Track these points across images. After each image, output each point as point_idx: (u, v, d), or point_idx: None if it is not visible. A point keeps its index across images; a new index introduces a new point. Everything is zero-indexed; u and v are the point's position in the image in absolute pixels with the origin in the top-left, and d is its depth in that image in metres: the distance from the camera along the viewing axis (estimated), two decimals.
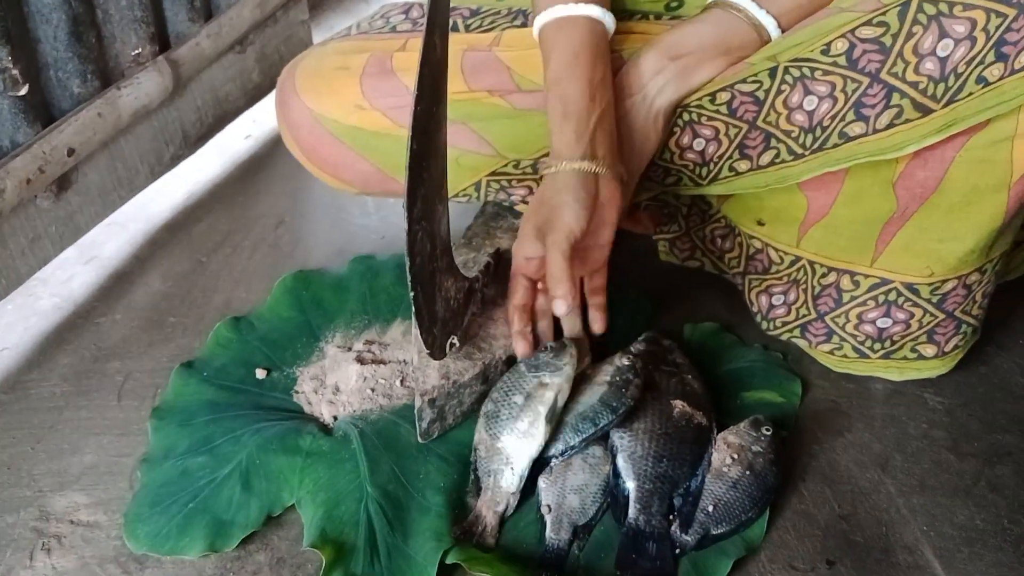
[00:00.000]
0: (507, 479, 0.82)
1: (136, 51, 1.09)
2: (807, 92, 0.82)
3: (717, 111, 0.87)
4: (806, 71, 0.81)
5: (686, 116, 0.89)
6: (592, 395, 0.86)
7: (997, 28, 0.72)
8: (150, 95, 1.11)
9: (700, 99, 0.87)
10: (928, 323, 0.90)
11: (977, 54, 0.73)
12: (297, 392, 0.93)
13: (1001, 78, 0.73)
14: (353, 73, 0.93)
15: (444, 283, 0.83)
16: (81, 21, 0.99)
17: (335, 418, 0.90)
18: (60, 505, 0.85)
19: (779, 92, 0.83)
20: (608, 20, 0.87)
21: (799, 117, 0.83)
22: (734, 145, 0.88)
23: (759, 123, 0.86)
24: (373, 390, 0.92)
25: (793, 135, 0.84)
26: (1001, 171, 0.79)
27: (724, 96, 0.86)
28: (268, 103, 1.35)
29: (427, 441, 0.87)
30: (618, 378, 0.86)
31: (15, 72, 0.92)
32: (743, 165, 0.89)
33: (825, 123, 0.82)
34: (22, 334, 1.05)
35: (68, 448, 0.90)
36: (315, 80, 0.95)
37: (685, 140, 0.90)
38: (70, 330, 1.05)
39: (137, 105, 1.09)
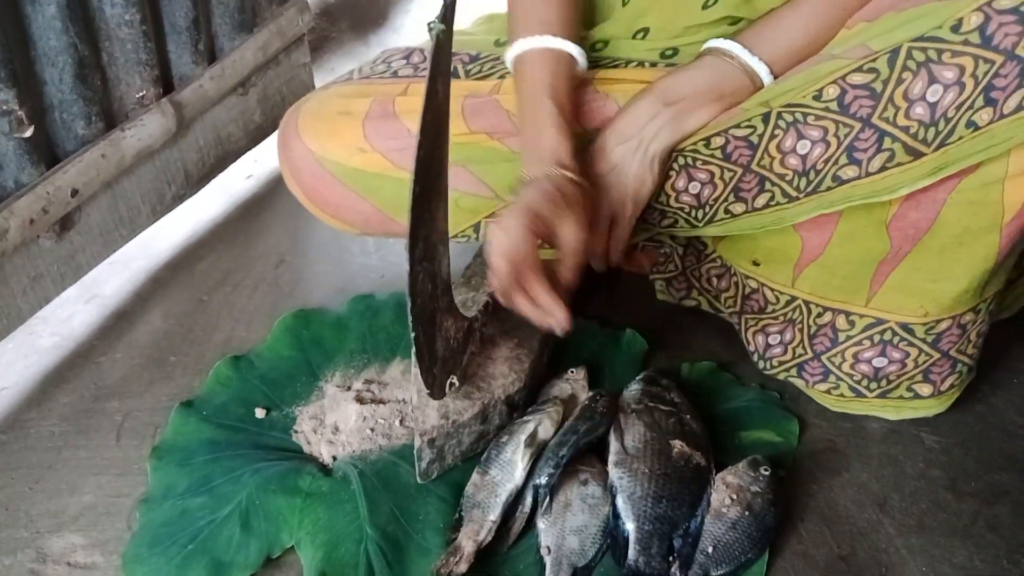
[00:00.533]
0: (491, 507, 0.83)
1: (140, 93, 1.11)
2: (800, 136, 0.83)
3: (712, 155, 0.89)
4: (799, 116, 0.83)
5: (681, 160, 0.90)
6: (565, 427, 0.89)
7: (985, 74, 0.74)
8: (153, 136, 1.12)
9: (695, 143, 0.89)
10: (924, 362, 0.91)
11: (966, 99, 0.75)
12: (296, 431, 0.93)
13: (990, 122, 0.75)
14: (355, 117, 0.95)
15: (444, 323, 0.84)
16: (87, 64, 1.00)
17: (334, 458, 0.90)
18: (57, 546, 0.84)
19: (772, 136, 0.85)
20: (579, 56, 0.90)
21: (793, 161, 0.85)
22: (729, 188, 0.90)
23: (753, 167, 0.87)
24: (372, 430, 0.92)
25: (787, 178, 0.86)
26: (993, 212, 0.80)
27: (718, 140, 0.88)
28: (270, 143, 1.37)
29: (426, 481, 0.87)
30: (586, 404, 0.90)
31: (21, 113, 0.93)
32: (738, 208, 0.90)
33: (819, 167, 0.83)
34: (22, 373, 1.05)
35: (66, 488, 0.90)
36: (318, 123, 0.96)
37: (680, 183, 0.92)
38: (70, 369, 1.05)
39: (140, 146, 1.11)
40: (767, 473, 0.86)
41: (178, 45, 1.16)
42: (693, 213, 0.93)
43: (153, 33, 1.09)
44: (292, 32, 1.35)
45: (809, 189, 0.85)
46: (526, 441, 0.85)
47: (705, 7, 0.90)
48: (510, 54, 0.91)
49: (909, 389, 0.94)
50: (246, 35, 1.27)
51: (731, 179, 0.89)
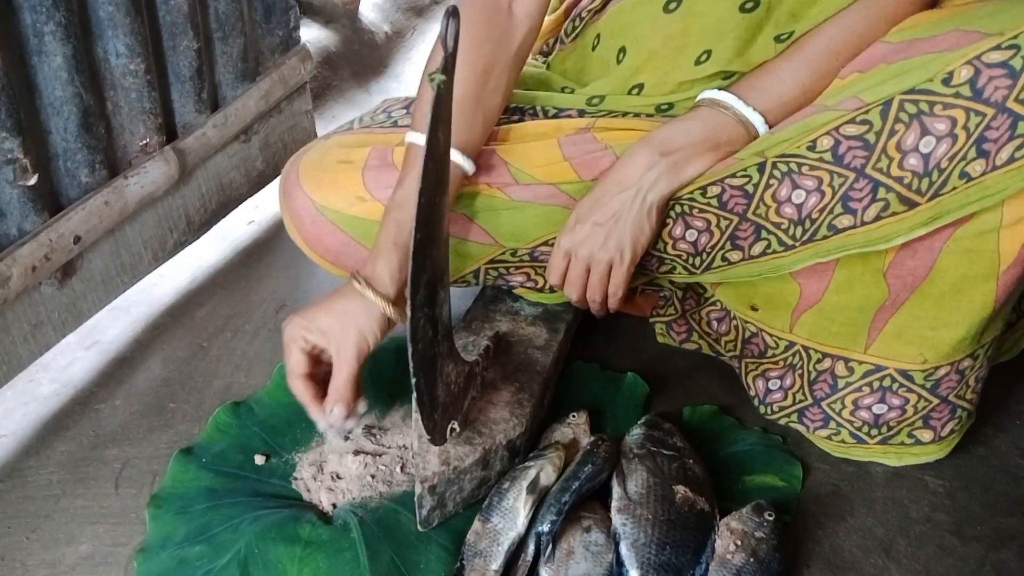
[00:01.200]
0: (493, 556, 0.82)
1: (144, 141, 1.12)
2: (795, 186, 0.84)
3: (708, 204, 0.89)
4: (793, 166, 0.84)
5: (678, 208, 0.91)
6: (567, 473, 0.88)
7: (977, 126, 0.75)
8: (156, 183, 1.13)
9: (691, 192, 0.90)
10: (923, 408, 0.91)
11: (959, 151, 0.76)
12: (296, 479, 0.93)
13: (983, 173, 0.76)
14: (356, 166, 0.95)
15: (445, 368, 0.84)
16: (91, 113, 1.02)
17: (334, 505, 0.89)
18: None
19: (768, 186, 0.86)
20: (466, 164, 0.90)
21: (788, 210, 0.85)
22: (726, 236, 0.90)
23: (749, 215, 0.88)
24: (373, 477, 0.91)
25: (783, 227, 0.87)
26: (989, 261, 0.81)
27: (715, 190, 0.89)
28: (271, 190, 1.38)
29: (427, 529, 0.86)
30: (588, 449, 0.90)
31: (26, 162, 0.94)
32: (735, 255, 0.91)
33: (814, 216, 0.84)
34: (20, 420, 1.04)
35: (63, 538, 0.89)
36: (318, 173, 0.97)
37: (678, 231, 0.92)
38: (69, 416, 1.05)
39: (143, 193, 1.12)
40: (771, 518, 0.85)
41: (182, 94, 1.17)
42: (691, 260, 0.94)
43: (157, 82, 1.11)
44: (294, 80, 1.37)
45: (805, 238, 0.85)
46: (528, 487, 0.85)
47: (698, 63, 0.91)
48: (407, 138, 0.91)
49: (910, 435, 0.93)
50: (249, 84, 1.29)
51: (727, 227, 0.90)
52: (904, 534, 0.90)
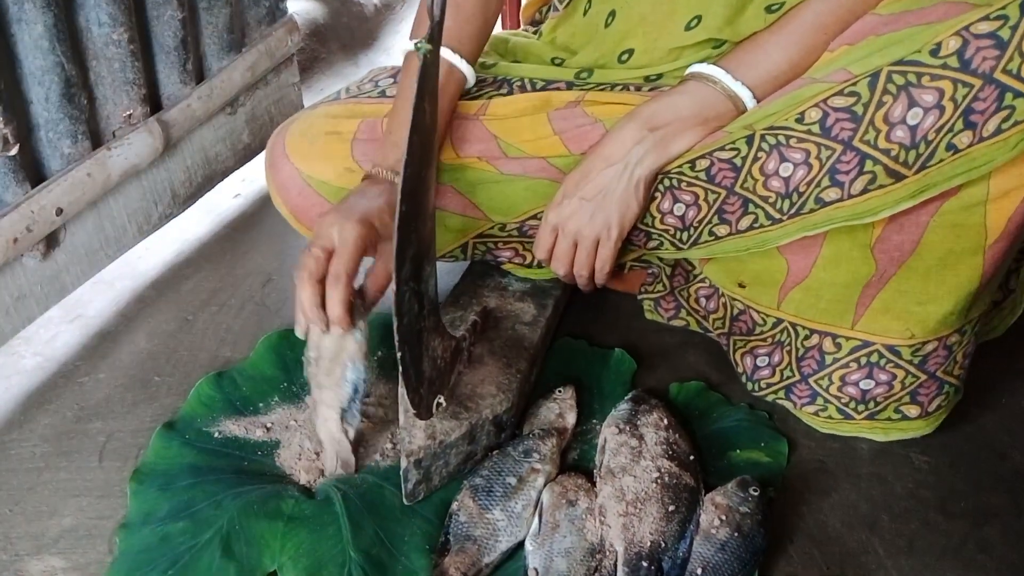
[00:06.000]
0: (488, 550, 0.81)
1: (127, 112, 1.10)
2: (783, 159, 0.84)
3: (696, 177, 0.89)
4: (781, 139, 0.83)
5: (666, 182, 0.91)
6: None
7: (964, 97, 0.74)
8: (140, 156, 1.12)
9: (680, 166, 0.89)
10: (910, 384, 0.91)
11: (946, 122, 0.75)
12: (278, 454, 0.92)
13: (970, 145, 0.75)
14: (344, 138, 0.94)
15: (431, 343, 0.83)
16: (73, 83, 1.00)
17: (317, 480, 0.89)
18: (37, 570, 0.83)
19: (755, 159, 0.85)
20: (469, 76, 0.92)
21: (775, 183, 0.85)
22: (713, 210, 0.90)
23: (737, 189, 0.87)
24: (358, 451, 0.91)
25: (770, 200, 0.86)
26: (975, 235, 0.81)
27: (703, 163, 0.88)
28: (258, 163, 1.36)
29: (413, 503, 0.86)
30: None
31: (6, 132, 0.93)
32: (722, 230, 0.90)
33: (801, 189, 0.84)
34: (3, 394, 1.04)
35: (47, 511, 0.89)
36: (306, 143, 0.96)
37: (666, 205, 0.92)
38: (52, 390, 1.04)
39: (127, 165, 1.10)
40: (756, 494, 0.85)
41: (166, 65, 1.16)
42: (678, 235, 0.93)
43: (141, 52, 1.09)
44: (281, 52, 1.36)
45: (792, 211, 0.85)
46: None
47: (688, 28, 0.90)
48: (407, 47, 0.91)
49: (897, 411, 0.94)
50: (235, 55, 1.27)
51: (715, 201, 0.89)
52: (888, 510, 0.90)
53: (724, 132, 0.87)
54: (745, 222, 0.88)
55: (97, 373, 1.06)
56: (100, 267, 1.14)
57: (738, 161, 0.86)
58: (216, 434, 0.94)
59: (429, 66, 0.72)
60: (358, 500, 0.86)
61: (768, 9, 0.87)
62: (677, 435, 0.91)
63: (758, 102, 0.86)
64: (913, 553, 0.86)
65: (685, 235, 0.93)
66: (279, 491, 0.86)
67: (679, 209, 0.91)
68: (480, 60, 1.00)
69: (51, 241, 1.05)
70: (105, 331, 1.14)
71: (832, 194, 0.82)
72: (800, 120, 0.82)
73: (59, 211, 1.01)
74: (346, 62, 1.85)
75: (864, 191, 0.81)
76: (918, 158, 0.77)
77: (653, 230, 0.94)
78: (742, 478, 0.87)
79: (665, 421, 0.92)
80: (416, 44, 0.71)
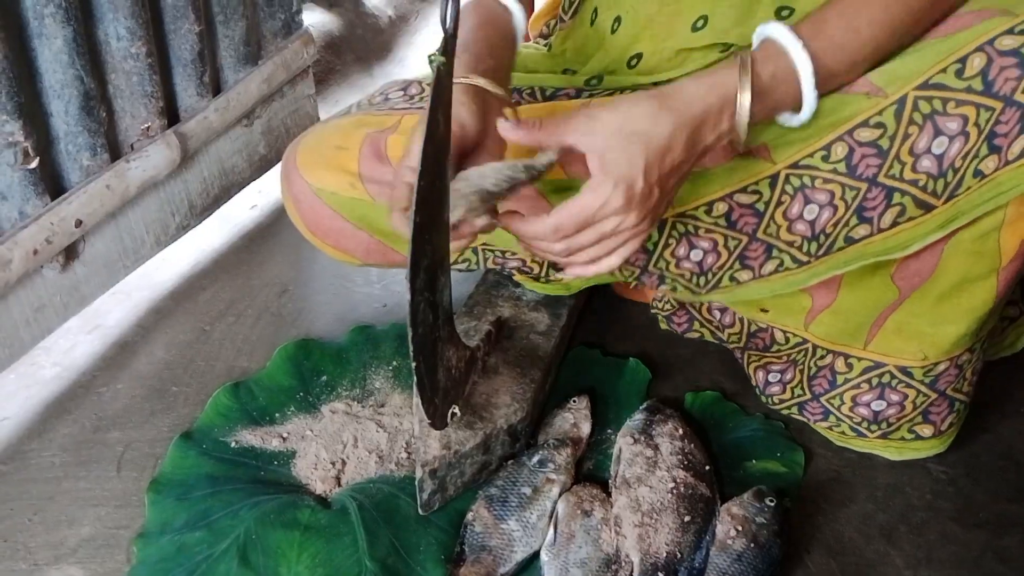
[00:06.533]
0: (504, 560, 0.81)
1: (145, 125, 1.12)
2: (807, 201, 0.81)
3: (715, 223, 0.86)
4: (807, 180, 0.81)
5: (681, 227, 0.88)
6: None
7: (987, 121, 0.73)
8: (158, 167, 1.13)
9: (695, 210, 0.86)
10: (922, 403, 0.90)
11: (972, 148, 0.74)
12: (295, 464, 0.93)
13: (996, 169, 0.74)
14: (351, 153, 0.94)
15: (446, 352, 0.83)
16: (92, 96, 1.01)
17: (333, 490, 0.89)
18: None
19: (779, 203, 0.82)
20: (516, 11, 0.87)
21: (800, 227, 0.83)
22: (734, 256, 0.87)
23: (759, 235, 0.85)
24: (373, 462, 0.91)
25: (796, 244, 0.84)
26: (990, 260, 0.80)
27: (722, 207, 0.85)
28: (274, 175, 1.37)
29: (428, 513, 0.86)
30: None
31: (27, 145, 0.94)
32: (744, 275, 0.88)
33: (828, 230, 0.82)
34: (23, 403, 1.05)
35: (66, 520, 0.89)
36: (314, 157, 0.96)
37: (681, 251, 0.89)
38: (71, 399, 1.05)
39: (145, 177, 1.11)
40: (772, 504, 0.85)
41: (183, 77, 1.17)
42: (695, 280, 0.90)
43: (159, 65, 1.10)
44: (297, 65, 1.37)
45: (820, 252, 0.83)
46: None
47: (695, 29, 0.88)
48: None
49: (910, 431, 0.93)
50: (251, 67, 1.28)
51: (736, 247, 0.87)
52: (906, 521, 0.89)
53: (746, 172, 0.81)
54: (769, 267, 0.86)
55: (115, 383, 1.07)
56: (118, 278, 1.15)
57: (760, 206, 0.83)
58: (233, 444, 0.95)
59: (443, 78, 0.72)
60: (373, 510, 0.86)
61: (778, 13, 0.85)
62: (692, 445, 0.91)
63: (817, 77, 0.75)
64: (931, 564, 0.85)
65: (702, 280, 0.90)
66: (295, 501, 0.87)
67: (696, 255, 0.88)
68: None
69: (70, 252, 1.06)
70: (123, 341, 1.14)
71: (862, 231, 0.80)
72: (826, 158, 0.79)
73: (78, 223, 1.02)
74: (361, 74, 1.86)
75: (894, 223, 0.79)
76: (946, 187, 0.76)
77: (667, 274, 0.91)
78: (758, 488, 0.87)
79: (680, 431, 0.92)
80: (430, 57, 0.72)
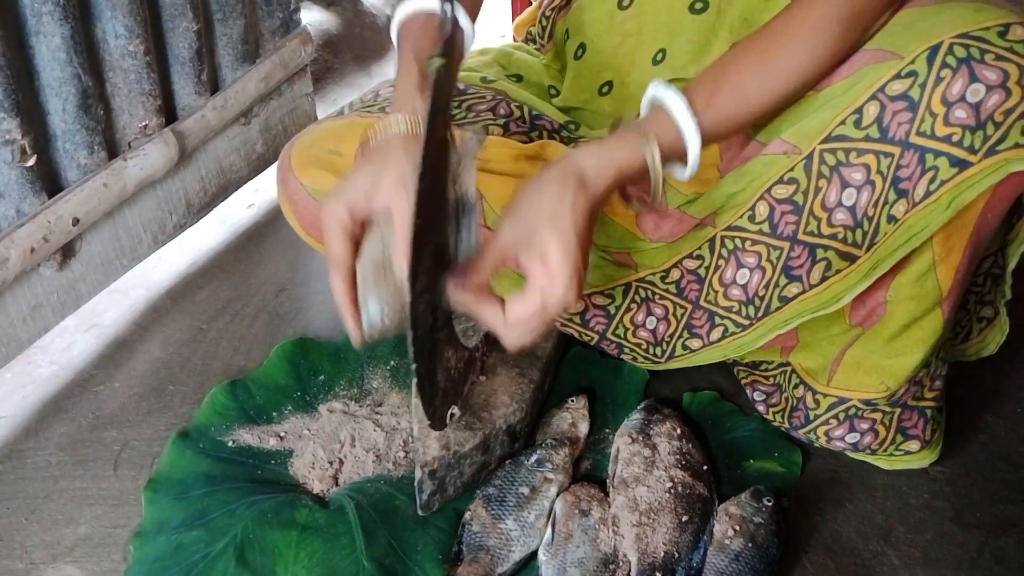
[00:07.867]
0: (502, 560, 0.81)
1: (143, 123, 1.11)
2: (739, 265, 0.84)
3: (667, 290, 0.89)
4: (738, 242, 0.83)
5: (642, 292, 0.91)
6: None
7: (889, 167, 0.74)
8: (155, 166, 1.13)
9: (652, 275, 0.89)
10: (891, 422, 0.91)
11: (880, 195, 0.75)
12: (292, 463, 0.93)
13: (906, 213, 0.75)
14: (346, 158, 0.94)
15: (445, 353, 0.83)
16: (90, 94, 1.01)
17: (331, 489, 0.89)
18: None
19: (716, 268, 0.86)
20: (468, 28, 0.84)
21: (735, 292, 0.85)
22: (682, 325, 0.90)
23: (701, 303, 0.88)
24: (371, 461, 0.91)
25: (735, 310, 0.86)
26: (933, 296, 0.81)
27: (675, 274, 0.88)
28: (271, 173, 1.37)
29: (427, 513, 0.86)
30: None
31: (24, 143, 0.94)
32: (695, 343, 0.91)
33: (760, 292, 0.84)
34: (19, 402, 1.04)
35: (62, 519, 0.89)
36: (309, 159, 0.96)
37: (640, 318, 0.92)
38: (68, 398, 1.05)
39: (142, 175, 1.11)
40: (770, 504, 0.85)
41: (181, 76, 1.17)
42: (651, 349, 0.93)
43: (156, 64, 1.10)
44: (295, 63, 1.37)
45: (759, 315, 0.85)
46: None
47: (655, 63, 0.91)
48: (397, 14, 0.84)
49: (898, 449, 0.93)
50: (249, 66, 1.28)
51: (683, 316, 0.90)
52: (903, 521, 0.90)
53: (692, 236, 0.86)
54: (716, 333, 0.89)
55: (112, 382, 1.07)
56: (115, 276, 1.15)
57: (702, 271, 0.87)
58: (230, 443, 0.95)
59: (443, 80, 0.72)
60: (371, 509, 0.86)
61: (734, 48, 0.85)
62: (690, 445, 0.91)
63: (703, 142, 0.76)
64: (928, 564, 0.85)
65: (658, 350, 0.93)
66: (293, 500, 0.86)
67: (651, 323, 0.91)
68: (481, 75, 1.01)
69: (67, 251, 1.06)
70: (120, 340, 1.14)
71: (794, 289, 0.82)
72: (752, 219, 0.82)
73: (75, 221, 1.02)
74: (359, 73, 1.86)
75: (824, 278, 0.81)
76: (864, 236, 0.77)
77: (625, 343, 0.93)
78: (756, 488, 0.87)
79: (678, 431, 0.92)
80: (429, 60, 0.72)
